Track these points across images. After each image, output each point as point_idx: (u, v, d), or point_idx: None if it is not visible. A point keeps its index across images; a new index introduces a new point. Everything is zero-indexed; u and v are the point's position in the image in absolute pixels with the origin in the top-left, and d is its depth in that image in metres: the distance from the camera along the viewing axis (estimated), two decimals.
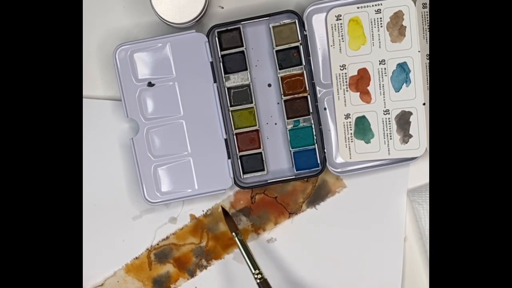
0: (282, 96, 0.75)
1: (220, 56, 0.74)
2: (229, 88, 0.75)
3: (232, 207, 0.77)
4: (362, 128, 0.75)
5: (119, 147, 0.76)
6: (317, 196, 0.77)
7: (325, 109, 0.76)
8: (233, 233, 0.74)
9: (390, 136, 0.75)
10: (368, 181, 0.76)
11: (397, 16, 0.74)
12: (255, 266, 0.73)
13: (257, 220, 0.77)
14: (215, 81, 0.74)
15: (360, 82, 0.75)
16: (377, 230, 0.76)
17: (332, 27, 0.74)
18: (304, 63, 0.74)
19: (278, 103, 0.76)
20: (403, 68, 0.74)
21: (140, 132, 0.75)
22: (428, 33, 0.74)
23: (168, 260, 0.77)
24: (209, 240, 0.77)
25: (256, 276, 0.73)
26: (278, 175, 0.76)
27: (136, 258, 0.77)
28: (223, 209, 0.76)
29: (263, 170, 0.75)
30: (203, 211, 0.77)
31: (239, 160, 0.75)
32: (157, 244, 0.77)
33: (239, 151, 0.75)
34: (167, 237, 0.77)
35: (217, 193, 0.75)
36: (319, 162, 0.75)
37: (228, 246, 0.77)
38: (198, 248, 0.77)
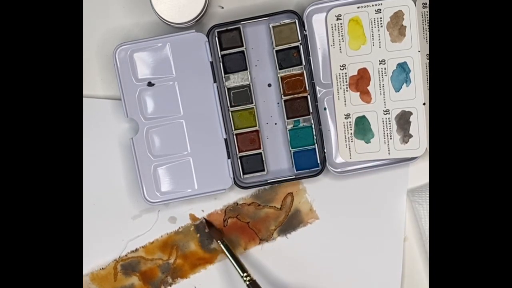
0: (282, 96, 0.75)
1: (220, 56, 0.74)
2: (229, 89, 0.75)
3: (205, 227, 0.77)
4: (362, 128, 0.75)
5: (119, 147, 0.76)
6: (289, 225, 0.77)
7: (325, 109, 0.76)
8: (219, 241, 0.75)
9: (390, 136, 0.75)
10: (368, 181, 0.76)
11: (397, 16, 0.74)
12: (243, 269, 0.74)
13: (228, 242, 0.77)
14: (215, 81, 0.74)
15: (360, 82, 0.75)
16: (377, 230, 0.76)
17: (332, 27, 0.74)
18: (304, 63, 0.74)
19: (278, 103, 0.76)
20: (403, 68, 0.74)
21: (140, 132, 0.75)
22: (428, 33, 0.74)
23: (134, 273, 0.77)
24: (177, 258, 0.77)
25: (245, 278, 0.73)
26: (278, 175, 0.76)
27: (102, 268, 0.77)
28: (206, 220, 0.76)
29: (263, 170, 0.75)
30: (202, 211, 0.77)
31: (239, 161, 0.75)
32: (126, 256, 0.77)
33: (239, 152, 0.75)
34: (136, 250, 0.77)
35: (217, 193, 0.75)
36: (319, 162, 0.75)
37: (196, 266, 0.77)
38: (166, 264, 0.77)
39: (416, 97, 0.74)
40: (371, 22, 0.74)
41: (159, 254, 0.77)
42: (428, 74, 0.74)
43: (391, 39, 0.74)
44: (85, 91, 0.76)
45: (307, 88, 0.75)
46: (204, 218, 0.76)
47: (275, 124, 0.76)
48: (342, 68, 0.75)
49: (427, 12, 0.74)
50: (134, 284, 0.77)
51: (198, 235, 0.77)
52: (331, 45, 0.75)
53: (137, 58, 0.74)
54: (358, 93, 0.75)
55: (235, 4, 0.76)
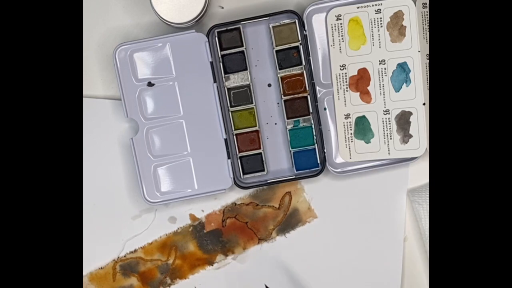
0: (282, 96, 0.75)
1: (220, 56, 0.74)
2: (229, 89, 0.75)
3: (203, 228, 0.77)
4: (362, 128, 0.75)
5: (119, 147, 0.76)
6: (288, 224, 0.77)
7: (325, 109, 0.76)
8: None
9: (390, 136, 0.75)
10: (368, 181, 0.76)
11: (397, 16, 0.74)
12: None
13: (226, 242, 0.77)
14: (215, 81, 0.74)
15: (360, 82, 0.75)
16: (377, 230, 0.76)
17: (332, 27, 0.74)
18: (304, 63, 0.74)
19: (278, 103, 0.76)
20: (403, 68, 0.74)
21: (140, 132, 0.75)
22: (428, 33, 0.74)
23: (133, 273, 0.77)
24: (176, 258, 0.77)
25: None
26: (278, 175, 0.76)
27: (101, 268, 0.77)
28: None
29: (263, 170, 0.75)
30: (202, 211, 0.77)
31: (239, 161, 0.75)
32: (124, 256, 0.77)
33: (239, 152, 0.75)
34: (135, 250, 0.77)
35: (217, 193, 0.75)
36: (319, 162, 0.75)
37: (195, 266, 0.77)
38: (165, 265, 0.77)
39: (416, 97, 0.74)
40: (371, 22, 0.74)
41: (158, 254, 0.77)
42: (428, 74, 0.74)
43: (391, 39, 0.74)
44: (85, 91, 0.76)
45: (307, 88, 0.75)
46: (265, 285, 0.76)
47: (275, 124, 0.76)
48: (342, 68, 0.75)
49: (427, 12, 0.74)
50: (133, 284, 0.77)
51: (195, 240, 0.77)
52: (331, 45, 0.75)
53: (137, 58, 0.74)
54: (358, 93, 0.75)
55: (235, 4, 0.76)
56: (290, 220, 0.77)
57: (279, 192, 0.77)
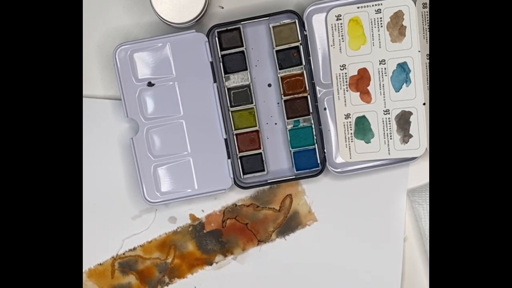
0: (282, 96, 0.75)
1: (220, 56, 0.74)
2: (229, 89, 0.75)
3: (203, 228, 0.77)
4: (362, 128, 0.75)
5: (119, 147, 0.76)
6: (288, 227, 0.77)
7: (325, 109, 0.76)
8: None
9: (390, 136, 0.75)
10: (368, 181, 0.76)
11: (397, 16, 0.74)
12: None
13: (225, 243, 0.77)
14: (215, 81, 0.74)
15: (360, 82, 0.75)
16: (377, 230, 0.76)
17: (332, 27, 0.74)
18: (304, 63, 0.74)
19: (278, 103, 0.76)
20: (403, 68, 0.74)
21: (140, 132, 0.75)
22: (428, 33, 0.74)
23: (131, 271, 0.77)
24: (175, 257, 0.77)
25: None
26: (278, 175, 0.76)
27: (100, 264, 0.77)
28: None
29: (263, 170, 0.75)
30: (202, 211, 0.77)
31: (239, 161, 0.75)
32: (123, 254, 0.77)
33: (239, 152, 0.75)
34: (134, 248, 0.77)
35: (217, 193, 0.75)
36: (319, 162, 0.75)
37: (194, 266, 0.77)
38: (163, 264, 0.77)
39: (416, 97, 0.74)
40: (371, 22, 0.74)
41: (157, 253, 0.77)
42: (428, 74, 0.74)
43: (391, 39, 0.74)
44: (85, 91, 0.76)
45: (307, 88, 0.75)
46: None
47: (275, 124, 0.76)
48: (342, 68, 0.75)
49: (427, 12, 0.74)
50: (131, 282, 0.77)
51: (195, 240, 0.77)
52: (331, 45, 0.75)
53: (137, 58, 0.74)
54: (358, 93, 0.75)
55: (235, 4, 0.76)
56: (290, 223, 0.77)
57: (280, 194, 0.77)
